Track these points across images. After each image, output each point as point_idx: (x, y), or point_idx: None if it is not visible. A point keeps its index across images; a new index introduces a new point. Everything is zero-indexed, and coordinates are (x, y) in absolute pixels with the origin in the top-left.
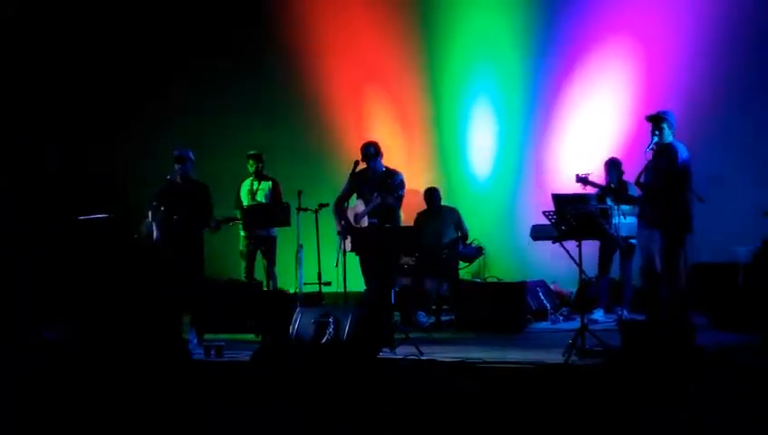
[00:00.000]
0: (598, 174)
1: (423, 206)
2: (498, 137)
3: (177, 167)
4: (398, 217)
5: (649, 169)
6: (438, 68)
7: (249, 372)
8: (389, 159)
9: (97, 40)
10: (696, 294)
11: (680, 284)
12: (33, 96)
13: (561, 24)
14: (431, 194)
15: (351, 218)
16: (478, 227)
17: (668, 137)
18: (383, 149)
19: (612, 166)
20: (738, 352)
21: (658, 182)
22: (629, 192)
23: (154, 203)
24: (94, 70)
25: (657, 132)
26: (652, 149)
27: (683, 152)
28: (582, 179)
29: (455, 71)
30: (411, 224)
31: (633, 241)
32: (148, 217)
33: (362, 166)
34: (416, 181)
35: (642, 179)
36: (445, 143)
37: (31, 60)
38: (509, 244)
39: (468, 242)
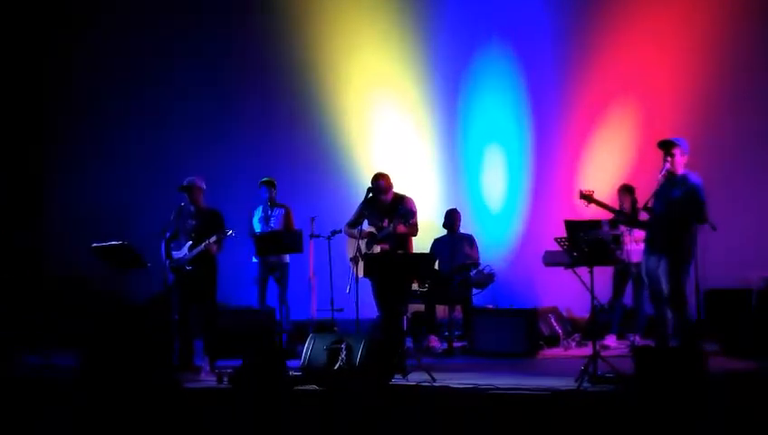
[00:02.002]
0: (609, 199)
1: (433, 226)
2: (511, 162)
3: (186, 197)
4: (408, 242)
5: (659, 195)
6: (451, 90)
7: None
8: (400, 186)
9: (99, 50)
10: (708, 321)
11: (687, 309)
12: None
13: (571, 48)
14: (452, 217)
15: (363, 246)
16: (491, 253)
17: (680, 164)
18: (396, 177)
19: (626, 191)
20: (751, 379)
21: (668, 210)
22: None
23: (167, 234)
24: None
25: (668, 159)
26: (664, 175)
27: (698, 181)
28: (586, 196)
29: (471, 89)
30: (427, 247)
31: None
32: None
33: None
34: (429, 206)
35: (651, 204)
36: (458, 169)
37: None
38: (521, 270)
39: (480, 268)
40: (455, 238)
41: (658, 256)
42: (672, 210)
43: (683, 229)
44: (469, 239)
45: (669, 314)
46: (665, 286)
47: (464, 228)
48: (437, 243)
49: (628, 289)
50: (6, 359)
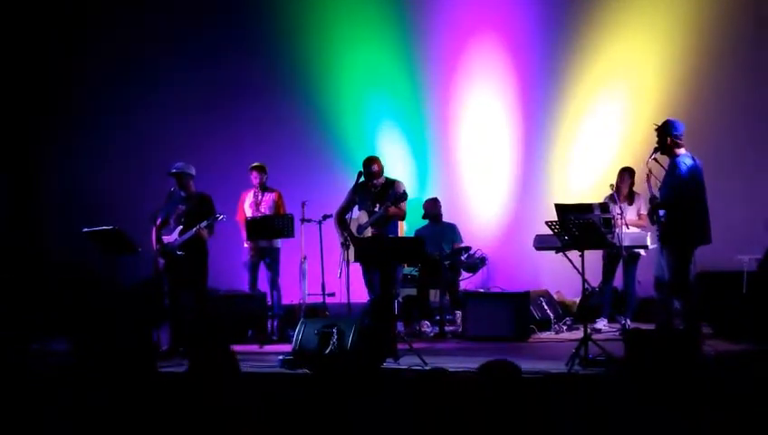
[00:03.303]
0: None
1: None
2: (502, 146)
3: (176, 182)
4: (398, 227)
5: (663, 182)
6: (446, 81)
7: None
8: (392, 170)
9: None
10: (700, 304)
11: (690, 295)
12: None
13: (567, 25)
14: (434, 205)
15: (354, 229)
16: (481, 237)
17: (671, 147)
18: (386, 160)
19: (627, 173)
20: (742, 361)
21: (663, 197)
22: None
23: (158, 219)
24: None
25: (658, 143)
26: (654, 159)
27: (683, 165)
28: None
29: (462, 78)
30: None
31: (637, 251)
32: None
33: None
34: (419, 192)
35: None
36: (449, 154)
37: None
38: (512, 254)
39: (472, 252)
40: (438, 227)
41: (660, 243)
42: (664, 197)
43: (675, 216)
44: (453, 228)
45: (674, 301)
46: (666, 274)
47: (456, 213)
48: (421, 232)
49: (619, 272)
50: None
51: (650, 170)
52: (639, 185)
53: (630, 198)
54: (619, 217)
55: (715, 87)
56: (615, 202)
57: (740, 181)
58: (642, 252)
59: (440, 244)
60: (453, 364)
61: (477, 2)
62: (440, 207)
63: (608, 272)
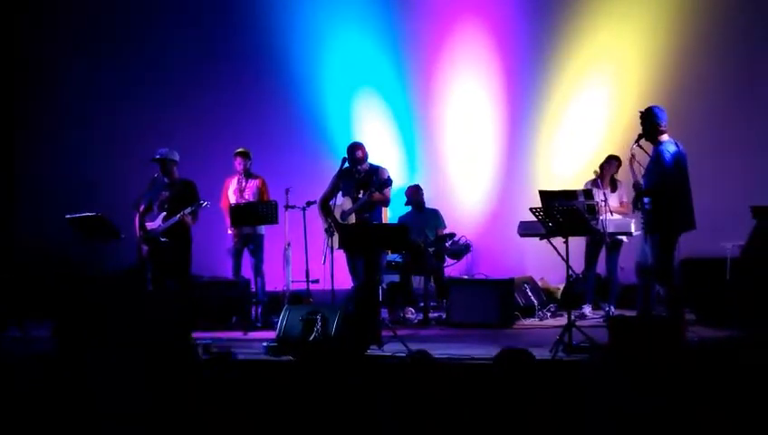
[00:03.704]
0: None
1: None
2: (486, 133)
3: (159, 168)
4: (382, 213)
5: (647, 169)
6: (429, 68)
7: None
8: (375, 157)
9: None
10: (683, 290)
11: (674, 281)
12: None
13: (552, 12)
14: (416, 192)
15: (338, 216)
16: (466, 224)
17: (655, 134)
18: (370, 147)
19: (613, 161)
20: (725, 347)
21: (648, 182)
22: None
23: (141, 206)
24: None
25: (642, 129)
26: (638, 145)
27: (666, 153)
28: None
29: (447, 64)
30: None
31: (619, 238)
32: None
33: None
34: (403, 178)
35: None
36: (434, 140)
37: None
38: (497, 241)
39: (456, 239)
40: (421, 214)
41: (644, 230)
42: (648, 184)
43: (659, 203)
44: (436, 214)
45: (656, 288)
46: (650, 260)
47: (440, 199)
48: (404, 220)
49: (601, 259)
50: None
51: (633, 156)
52: (622, 172)
53: (613, 185)
54: (603, 203)
55: (698, 74)
56: (599, 187)
57: (723, 168)
58: (624, 238)
59: (424, 230)
60: (438, 351)
61: None
62: (422, 194)
63: (590, 258)
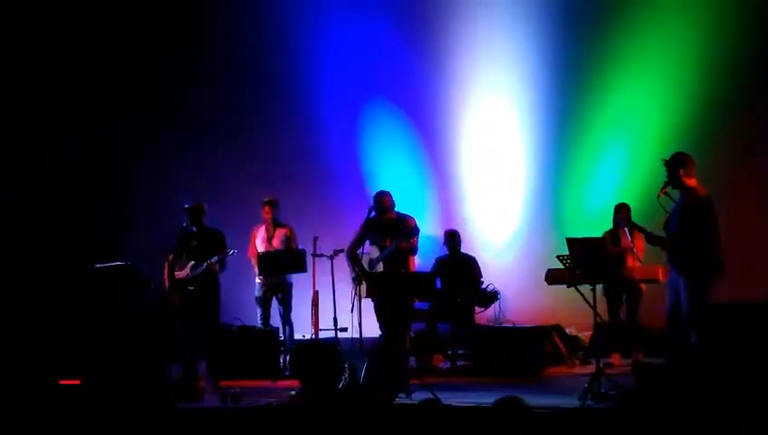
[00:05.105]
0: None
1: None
2: (514, 180)
3: (187, 218)
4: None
5: (674, 214)
6: (455, 100)
7: None
8: (403, 205)
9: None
10: (715, 335)
11: (707, 328)
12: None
13: (575, 64)
14: (452, 238)
15: (366, 264)
16: (493, 272)
17: (682, 180)
18: (399, 195)
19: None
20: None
21: (678, 228)
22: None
23: (171, 255)
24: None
25: (668, 176)
26: (666, 193)
27: (694, 198)
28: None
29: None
30: (430, 268)
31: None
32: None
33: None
34: (431, 226)
35: (670, 225)
36: (460, 186)
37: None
38: (524, 288)
39: (484, 286)
40: (456, 261)
41: (677, 275)
42: (679, 228)
43: (688, 250)
44: (471, 262)
45: (690, 334)
46: (684, 306)
47: (466, 247)
48: (440, 263)
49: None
50: None
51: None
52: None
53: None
54: (631, 250)
55: (720, 124)
56: (625, 235)
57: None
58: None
59: (456, 278)
60: (464, 399)
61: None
62: (459, 241)
63: (613, 305)
